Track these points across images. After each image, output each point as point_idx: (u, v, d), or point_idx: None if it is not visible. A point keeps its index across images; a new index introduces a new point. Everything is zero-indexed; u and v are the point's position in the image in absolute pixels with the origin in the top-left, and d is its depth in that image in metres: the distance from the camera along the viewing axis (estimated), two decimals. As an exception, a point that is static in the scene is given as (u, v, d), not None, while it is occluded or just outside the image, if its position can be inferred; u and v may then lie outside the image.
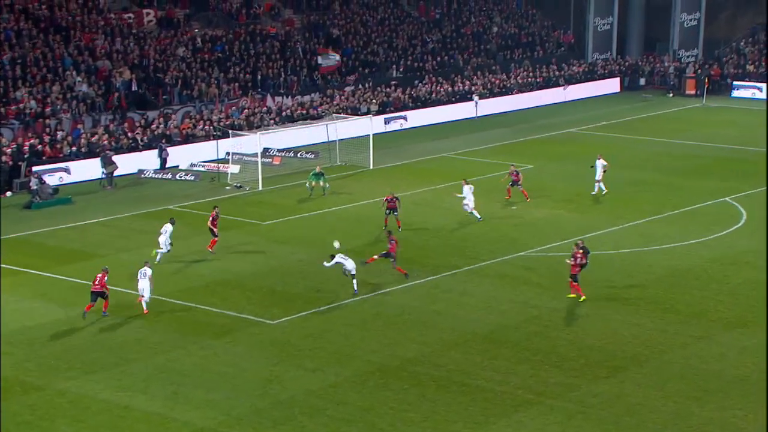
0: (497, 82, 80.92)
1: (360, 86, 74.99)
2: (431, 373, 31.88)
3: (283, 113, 68.02)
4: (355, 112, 69.63)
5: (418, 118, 73.44)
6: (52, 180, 55.12)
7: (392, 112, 72.33)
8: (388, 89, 75.44)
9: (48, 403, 30.06)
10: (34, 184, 52.41)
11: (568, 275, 37.93)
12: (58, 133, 58.92)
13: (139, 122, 63.06)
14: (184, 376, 31.65)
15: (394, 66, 79.33)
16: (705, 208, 50.69)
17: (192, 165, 60.09)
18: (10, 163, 55.21)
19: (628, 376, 31.70)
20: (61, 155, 57.24)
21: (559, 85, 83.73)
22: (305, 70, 74.13)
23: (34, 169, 54.60)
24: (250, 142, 58.49)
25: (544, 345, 34.04)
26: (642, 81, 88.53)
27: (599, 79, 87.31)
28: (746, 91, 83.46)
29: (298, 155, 62.43)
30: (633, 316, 36.49)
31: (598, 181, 52.67)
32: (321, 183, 52.81)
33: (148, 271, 36.85)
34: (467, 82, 79.32)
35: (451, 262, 42.42)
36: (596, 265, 40.48)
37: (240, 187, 55.36)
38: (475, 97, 76.50)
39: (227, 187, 55.50)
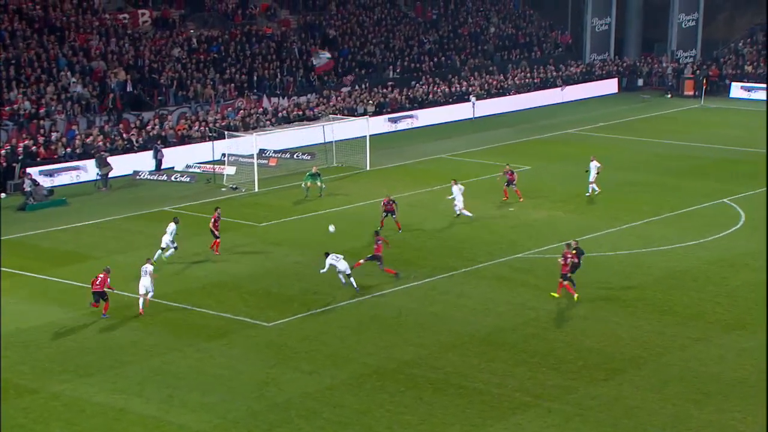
0: (494, 82, 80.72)
1: (356, 87, 74.84)
2: (428, 376, 31.71)
3: (279, 114, 67.84)
4: (352, 113, 69.45)
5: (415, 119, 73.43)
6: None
7: (390, 113, 72.19)
8: (384, 90, 75.27)
9: (42, 406, 29.86)
10: (27, 185, 52.23)
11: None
12: (52, 134, 58.68)
13: (135, 123, 62.84)
14: (179, 379, 31.47)
15: (391, 67, 79.12)
16: (703, 210, 50.54)
17: (188, 166, 59.89)
18: (4, 164, 54.99)
19: (626, 379, 31.54)
20: (55, 156, 57.10)
21: (556, 86, 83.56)
22: (301, 71, 73.93)
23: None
24: (246, 143, 58.27)
25: (541, 347, 33.88)
26: (640, 82, 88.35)
27: (597, 80, 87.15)
28: (745, 91, 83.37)
29: (295, 156, 62.30)
30: (631, 318, 36.34)
31: (592, 183, 52.55)
32: (318, 184, 52.69)
33: (150, 267, 36.75)
34: (464, 83, 79.16)
35: (448, 263, 42.24)
36: (594, 267, 40.36)
37: (236, 188, 55.15)
38: (472, 98, 76.31)
39: (223, 189, 55.29)
